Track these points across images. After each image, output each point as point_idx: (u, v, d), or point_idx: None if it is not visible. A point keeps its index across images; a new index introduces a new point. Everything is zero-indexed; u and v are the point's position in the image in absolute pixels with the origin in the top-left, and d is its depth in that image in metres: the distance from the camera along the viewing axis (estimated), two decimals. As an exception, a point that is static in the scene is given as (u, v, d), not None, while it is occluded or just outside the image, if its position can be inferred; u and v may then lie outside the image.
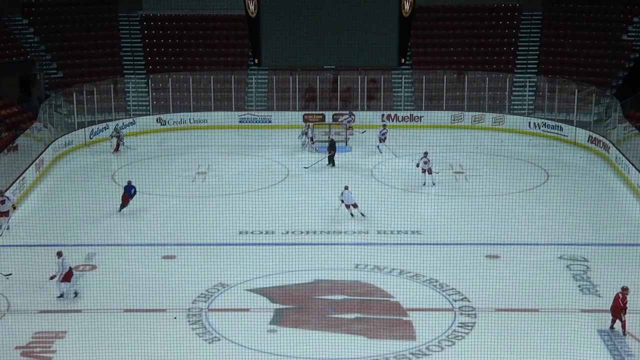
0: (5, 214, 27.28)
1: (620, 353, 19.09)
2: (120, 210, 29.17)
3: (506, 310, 21.09)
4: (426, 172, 31.97)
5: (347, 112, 41.68)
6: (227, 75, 43.84)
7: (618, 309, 19.64)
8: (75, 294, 22.18)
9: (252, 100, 44.65)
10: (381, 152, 37.04)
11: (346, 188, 27.87)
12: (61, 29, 46.98)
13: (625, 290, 19.77)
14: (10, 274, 22.75)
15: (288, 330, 20.20)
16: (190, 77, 43.60)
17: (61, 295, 21.98)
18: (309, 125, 39.30)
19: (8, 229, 27.03)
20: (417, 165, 32.01)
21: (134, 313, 21.01)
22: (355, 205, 27.91)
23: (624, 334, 19.61)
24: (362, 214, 27.85)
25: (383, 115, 42.54)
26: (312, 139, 37.98)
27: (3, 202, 27.25)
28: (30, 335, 19.96)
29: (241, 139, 40.13)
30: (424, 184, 31.93)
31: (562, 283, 22.59)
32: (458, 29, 47.52)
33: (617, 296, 19.75)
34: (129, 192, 29.31)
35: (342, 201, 27.91)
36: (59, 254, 22.05)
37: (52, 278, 21.87)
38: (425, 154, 32.04)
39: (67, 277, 21.98)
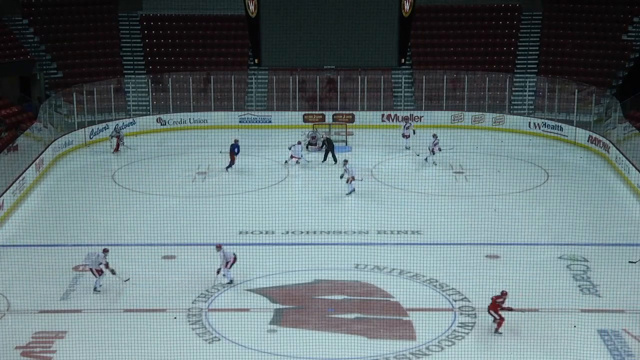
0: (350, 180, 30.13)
1: (620, 353, 19.09)
2: (227, 169, 33.42)
3: (506, 310, 21.06)
4: (433, 151, 34.49)
5: (405, 121, 39.12)
6: (227, 75, 43.85)
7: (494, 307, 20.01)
8: (231, 281, 22.60)
9: (252, 100, 44.65)
10: (435, 164, 35.01)
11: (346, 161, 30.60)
12: (61, 29, 46.98)
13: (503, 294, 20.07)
14: (128, 279, 22.50)
15: (288, 330, 20.20)
16: (190, 77, 43.60)
17: (230, 282, 22.47)
18: (316, 130, 39.13)
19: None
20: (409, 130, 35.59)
21: (134, 313, 21.01)
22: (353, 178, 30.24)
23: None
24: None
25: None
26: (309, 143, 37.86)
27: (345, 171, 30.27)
28: (30, 335, 19.97)
29: (241, 139, 40.08)
30: (432, 163, 34.36)
31: (562, 283, 22.59)
32: (458, 29, 47.53)
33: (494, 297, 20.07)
34: (233, 150, 33.54)
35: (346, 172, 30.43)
36: (219, 247, 22.53)
37: (218, 272, 22.43)
38: (435, 136, 34.54)
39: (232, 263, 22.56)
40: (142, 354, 19.09)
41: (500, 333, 19.80)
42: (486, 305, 20.27)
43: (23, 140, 34.78)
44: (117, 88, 43.20)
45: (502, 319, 20.00)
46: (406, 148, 37.39)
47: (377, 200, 29.75)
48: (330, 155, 35.48)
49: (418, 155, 35.76)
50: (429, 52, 46.63)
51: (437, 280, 22.88)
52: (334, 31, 15.57)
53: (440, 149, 34.92)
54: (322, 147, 36.61)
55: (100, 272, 22.23)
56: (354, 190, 30.44)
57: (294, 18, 15.49)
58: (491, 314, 20.09)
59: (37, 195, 31.71)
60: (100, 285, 22.32)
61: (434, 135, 35.23)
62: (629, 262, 23.81)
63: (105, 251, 22.40)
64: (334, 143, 36.35)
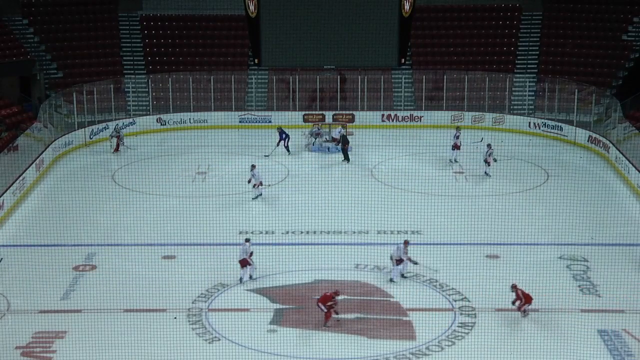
0: (257, 185, 29.76)
1: (620, 353, 19.10)
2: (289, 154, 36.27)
3: (506, 310, 21.09)
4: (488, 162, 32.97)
5: (456, 130, 36.44)
6: (227, 75, 43.84)
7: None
8: (242, 279, 22.76)
9: (252, 100, 44.65)
10: (457, 161, 35.03)
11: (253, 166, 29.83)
12: (61, 29, 46.97)
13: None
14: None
15: (288, 330, 20.21)
16: (190, 77, 43.59)
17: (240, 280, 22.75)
18: (318, 126, 39.20)
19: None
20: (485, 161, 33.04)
21: (134, 313, 21.01)
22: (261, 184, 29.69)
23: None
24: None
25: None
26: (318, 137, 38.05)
27: (253, 174, 29.80)
28: (30, 335, 19.98)
29: (241, 139, 40.11)
30: (485, 174, 33.08)
31: (562, 283, 22.60)
32: (458, 29, 47.52)
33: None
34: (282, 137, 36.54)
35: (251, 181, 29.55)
36: (247, 240, 23.26)
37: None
38: (489, 146, 33.03)
39: (244, 262, 22.78)
40: (142, 354, 19.10)
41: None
42: (486, 306, 20.28)
43: (23, 140, 34.79)
44: (117, 88, 43.19)
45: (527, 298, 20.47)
46: (453, 161, 35.28)
47: (377, 200, 29.72)
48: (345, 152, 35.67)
49: (462, 172, 34.26)
50: (429, 52, 46.63)
51: (437, 280, 22.88)
52: (333, 31, 15.58)
53: (495, 160, 32.88)
54: (338, 143, 36.59)
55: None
56: (260, 195, 30.10)
57: (294, 18, 15.50)
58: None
59: (37, 195, 31.71)
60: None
61: (488, 145, 33.17)
62: None
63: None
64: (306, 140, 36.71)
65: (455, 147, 35.28)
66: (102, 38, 47.04)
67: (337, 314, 20.35)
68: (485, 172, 33.20)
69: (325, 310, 20.23)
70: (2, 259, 20.46)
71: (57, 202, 29.34)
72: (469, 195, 30.98)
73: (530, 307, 20.56)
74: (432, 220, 27.49)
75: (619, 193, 31.64)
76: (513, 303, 20.57)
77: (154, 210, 29.27)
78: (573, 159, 36.56)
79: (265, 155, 36.74)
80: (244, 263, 22.79)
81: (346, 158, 35.69)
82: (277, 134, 37.38)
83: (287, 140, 37.25)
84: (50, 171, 34.67)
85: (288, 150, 37.14)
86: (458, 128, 36.21)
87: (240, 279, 22.70)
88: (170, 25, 47.92)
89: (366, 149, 37.93)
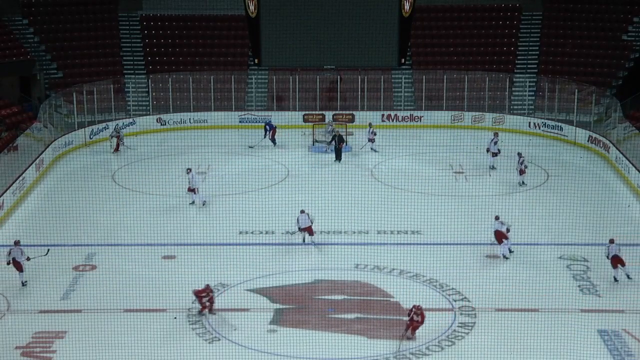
0: (193, 190, 29.58)
1: (620, 353, 19.10)
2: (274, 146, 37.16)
3: (506, 310, 21.10)
4: (520, 172, 31.72)
5: (495, 136, 35.24)
6: (227, 75, 43.84)
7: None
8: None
9: (252, 100, 44.65)
10: (495, 168, 34.08)
11: (302, 212, 25.48)
12: (61, 29, 46.97)
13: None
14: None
15: (288, 330, 20.21)
16: (190, 77, 43.60)
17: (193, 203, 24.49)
18: (331, 124, 39.14)
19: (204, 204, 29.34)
20: (488, 151, 32.68)
21: (134, 313, 21.01)
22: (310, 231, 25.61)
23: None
24: (314, 243, 25.69)
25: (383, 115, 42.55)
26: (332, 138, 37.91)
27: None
28: (30, 335, 19.98)
29: (241, 139, 40.12)
30: (522, 183, 31.86)
31: (562, 283, 22.60)
32: (458, 29, 47.53)
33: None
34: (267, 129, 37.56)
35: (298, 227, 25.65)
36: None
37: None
38: (519, 154, 31.94)
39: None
40: (142, 354, 19.10)
41: None
42: (486, 306, 20.27)
43: (23, 140, 34.79)
44: (117, 88, 43.19)
45: None
46: (491, 168, 34.17)
47: (377, 200, 29.73)
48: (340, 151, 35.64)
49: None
50: (429, 52, 46.62)
51: (437, 280, 22.89)
52: (334, 31, 15.55)
53: (526, 167, 31.80)
54: (331, 142, 36.57)
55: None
56: (193, 202, 29.67)
57: (294, 18, 15.48)
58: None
59: (37, 195, 31.71)
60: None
61: (519, 154, 32.24)
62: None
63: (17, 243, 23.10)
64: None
65: (493, 154, 34.09)
66: (102, 38, 47.04)
67: (211, 311, 20.55)
68: (521, 182, 31.80)
69: (200, 306, 20.63)
70: (48, 250, 20.71)
71: (57, 202, 29.32)
72: (469, 195, 30.97)
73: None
74: (432, 220, 27.48)
75: (619, 193, 31.63)
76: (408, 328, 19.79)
77: (154, 210, 29.28)
78: (573, 159, 36.56)
79: (249, 146, 37.62)
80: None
81: (338, 158, 35.60)
82: (264, 125, 38.41)
83: (272, 132, 37.96)
84: (50, 171, 34.67)
85: (274, 143, 37.91)
86: (496, 134, 35.04)
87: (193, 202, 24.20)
88: (170, 25, 47.93)
89: (366, 149, 37.91)
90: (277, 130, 38.54)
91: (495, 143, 34.06)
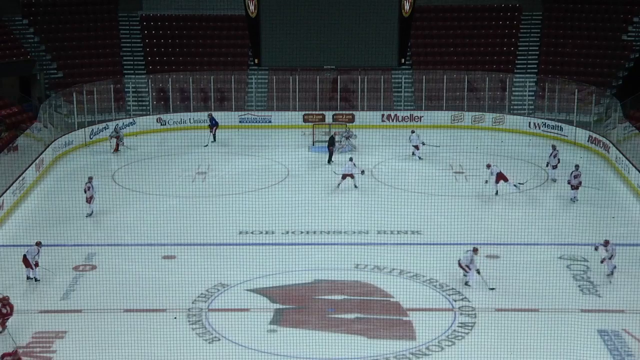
0: (89, 200, 28.46)
1: (620, 353, 19.10)
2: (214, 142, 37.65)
3: (506, 310, 21.11)
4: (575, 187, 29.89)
5: (553, 148, 33.49)
6: (227, 75, 43.84)
7: None
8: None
9: (252, 100, 44.65)
10: (555, 181, 32.39)
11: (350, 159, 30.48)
12: (61, 29, 46.97)
13: None
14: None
15: (288, 330, 20.21)
16: (190, 77, 43.60)
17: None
18: (348, 130, 38.96)
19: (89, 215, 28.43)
20: (568, 182, 29.93)
21: (134, 313, 21.01)
22: (352, 176, 30.95)
23: None
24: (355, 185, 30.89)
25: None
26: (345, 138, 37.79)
27: (88, 189, 28.54)
28: (30, 335, 19.98)
29: (241, 139, 40.13)
30: (572, 199, 29.91)
31: (562, 283, 22.59)
32: (458, 29, 47.52)
33: None
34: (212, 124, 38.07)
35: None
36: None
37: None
38: (577, 166, 30.41)
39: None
40: (142, 354, 19.10)
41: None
42: (486, 306, 20.27)
43: (23, 140, 34.79)
44: (117, 88, 43.19)
45: None
46: (553, 180, 32.67)
47: (377, 200, 29.73)
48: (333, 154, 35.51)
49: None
50: (429, 52, 46.63)
51: (437, 280, 22.88)
52: (334, 31, 15.58)
53: (580, 183, 29.92)
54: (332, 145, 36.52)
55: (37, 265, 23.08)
56: (90, 214, 28.55)
57: (294, 18, 15.50)
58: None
59: (37, 195, 31.71)
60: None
61: (577, 167, 30.83)
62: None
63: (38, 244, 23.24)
64: (336, 143, 36.34)
65: (553, 166, 32.51)
66: (102, 38, 47.03)
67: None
68: (573, 198, 30.02)
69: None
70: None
71: (57, 202, 29.32)
72: (469, 195, 30.97)
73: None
74: (432, 220, 27.49)
75: (619, 193, 31.61)
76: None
77: (154, 210, 29.28)
78: (573, 159, 36.54)
79: (204, 146, 37.97)
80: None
81: (329, 160, 35.54)
82: (209, 120, 38.83)
83: (215, 128, 38.55)
84: (50, 171, 34.67)
85: (214, 138, 38.56)
86: (554, 147, 33.40)
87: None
88: (170, 25, 47.92)
89: (366, 149, 37.93)
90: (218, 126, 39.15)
91: (555, 156, 32.48)
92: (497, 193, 30.59)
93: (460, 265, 22.60)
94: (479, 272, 22.35)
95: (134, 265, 24.02)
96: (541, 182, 32.59)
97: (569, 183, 29.91)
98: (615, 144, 35.11)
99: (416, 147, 36.04)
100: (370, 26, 15.52)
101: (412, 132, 36.65)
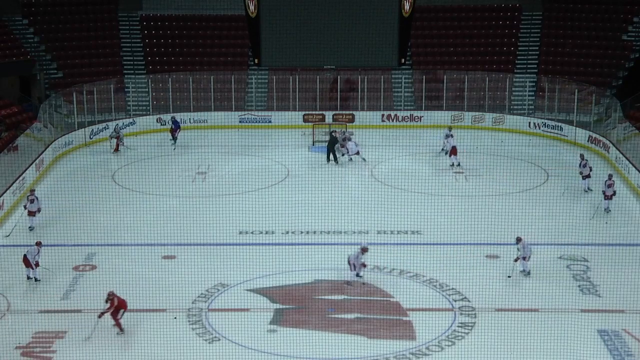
0: (33, 213, 27.30)
1: (620, 353, 19.09)
2: (174, 145, 37.61)
3: (506, 310, 21.10)
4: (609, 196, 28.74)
5: (581, 158, 31.88)
6: (227, 75, 43.84)
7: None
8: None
9: (252, 100, 44.65)
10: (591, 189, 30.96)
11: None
12: (61, 29, 46.98)
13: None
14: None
15: (288, 330, 20.20)
16: (190, 77, 43.60)
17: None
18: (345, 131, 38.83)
19: (31, 229, 27.00)
20: (603, 192, 28.76)
21: (134, 313, 20.99)
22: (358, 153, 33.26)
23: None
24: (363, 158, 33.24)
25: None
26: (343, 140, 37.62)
27: (32, 201, 27.36)
28: (30, 335, 19.97)
29: (241, 139, 40.14)
30: (605, 210, 28.71)
31: (562, 283, 22.60)
32: (458, 29, 47.53)
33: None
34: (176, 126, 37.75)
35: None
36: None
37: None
38: (610, 175, 29.39)
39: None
40: (142, 354, 19.10)
41: None
42: (486, 306, 20.26)
43: (23, 140, 34.78)
44: (117, 88, 43.19)
45: None
46: (587, 190, 30.98)
47: (377, 200, 29.73)
48: (333, 154, 35.43)
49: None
50: (429, 52, 46.63)
51: (437, 280, 22.88)
52: (334, 31, 15.57)
53: (615, 192, 28.93)
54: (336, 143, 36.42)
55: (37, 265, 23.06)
56: (31, 227, 27.31)
57: (294, 18, 15.49)
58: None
59: (37, 195, 31.60)
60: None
61: (581, 156, 31.18)
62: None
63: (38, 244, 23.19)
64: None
65: (584, 176, 30.94)
66: (102, 38, 47.05)
67: None
68: (587, 188, 30.07)
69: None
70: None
71: (57, 202, 29.33)
72: (469, 195, 30.97)
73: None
74: (432, 220, 27.49)
75: (619, 193, 31.53)
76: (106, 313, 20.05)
77: (154, 210, 29.28)
78: (573, 159, 36.52)
79: (173, 149, 37.81)
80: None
81: (327, 159, 35.49)
82: (171, 122, 38.75)
83: (178, 130, 38.36)
84: (50, 171, 34.67)
85: (174, 140, 38.35)
86: (582, 156, 31.85)
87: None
88: (170, 25, 47.93)
89: (366, 149, 37.91)
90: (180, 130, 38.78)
91: (584, 165, 30.98)
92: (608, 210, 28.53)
93: (351, 263, 22.75)
94: (363, 267, 22.61)
95: (134, 265, 24.01)
96: (541, 183, 32.58)
97: (604, 193, 28.70)
98: (615, 144, 35.11)
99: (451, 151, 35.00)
100: (370, 26, 15.51)
101: (450, 135, 35.55)
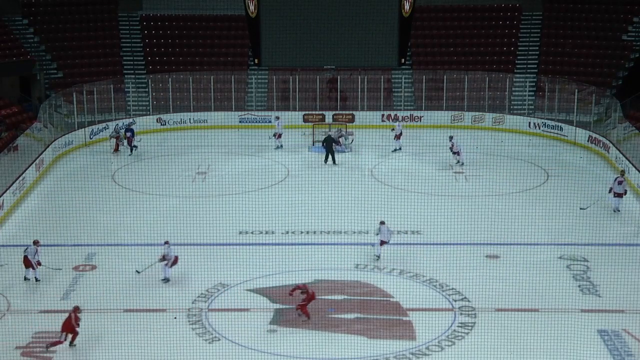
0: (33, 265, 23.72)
1: (620, 353, 19.10)
2: (131, 154, 36.63)
3: (506, 310, 21.10)
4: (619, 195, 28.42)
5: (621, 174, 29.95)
6: (227, 75, 43.84)
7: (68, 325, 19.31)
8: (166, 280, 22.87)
9: (252, 100, 44.66)
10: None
11: (382, 223, 24.28)
12: (61, 29, 46.98)
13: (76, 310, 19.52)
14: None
15: (288, 330, 20.21)
16: (190, 77, 43.61)
17: (166, 280, 22.75)
18: (339, 129, 38.82)
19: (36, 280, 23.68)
20: (610, 191, 28.43)
21: (134, 313, 21.00)
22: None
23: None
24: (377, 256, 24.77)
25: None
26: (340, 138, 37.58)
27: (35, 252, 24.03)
28: (30, 335, 19.96)
29: (241, 139, 40.14)
30: (615, 210, 28.60)
31: (562, 283, 22.60)
32: (458, 29, 47.54)
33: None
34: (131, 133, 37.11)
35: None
36: (166, 242, 23.03)
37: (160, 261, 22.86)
38: (622, 172, 29.33)
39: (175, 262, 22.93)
40: (142, 354, 19.08)
41: None
42: (486, 306, 20.27)
43: (23, 140, 34.79)
44: (117, 88, 43.19)
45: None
46: (615, 210, 29.01)
47: (377, 200, 29.71)
48: (332, 155, 35.38)
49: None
50: (429, 52, 46.64)
51: (437, 280, 22.88)
52: (334, 31, 15.57)
53: (626, 192, 28.52)
54: (323, 144, 36.35)
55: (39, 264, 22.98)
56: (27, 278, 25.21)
57: (294, 18, 15.49)
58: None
59: (37, 195, 31.70)
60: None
61: (622, 172, 29.95)
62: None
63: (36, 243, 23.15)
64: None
65: (618, 194, 28.71)
66: (102, 38, 47.05)
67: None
68: (616, 209, 28.62)
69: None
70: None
71: (57, 202, 29.34)
72: (469, 195, 30.97)
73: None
74: (432, 220, 27.48)
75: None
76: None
77: (154, 210, 29.28)
78: (573, 159, 36.56)
79: (128, 155, 37.32)
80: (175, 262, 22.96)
81: (325, 159, 35.47)
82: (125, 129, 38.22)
83: (132, 138, 37.59)
84: (50, 171, 34.67)
85: (131, 151, 37.33)
86: (622, 172, 30.37)
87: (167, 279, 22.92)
88: (170, 25, 47.94)
89: (366, 149, 37.94)
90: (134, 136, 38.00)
91: (620, 183, 28.71)
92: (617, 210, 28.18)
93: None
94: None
95: (134, 265, 24.00)
96: (541, 183, 32.59)
97: (610, 191, 28.34)
98: (615, 144, 35.11)
99: (457, 153, 35.02)
100: (370, 26, 15.51)
101: (451, 138, 35.40)
